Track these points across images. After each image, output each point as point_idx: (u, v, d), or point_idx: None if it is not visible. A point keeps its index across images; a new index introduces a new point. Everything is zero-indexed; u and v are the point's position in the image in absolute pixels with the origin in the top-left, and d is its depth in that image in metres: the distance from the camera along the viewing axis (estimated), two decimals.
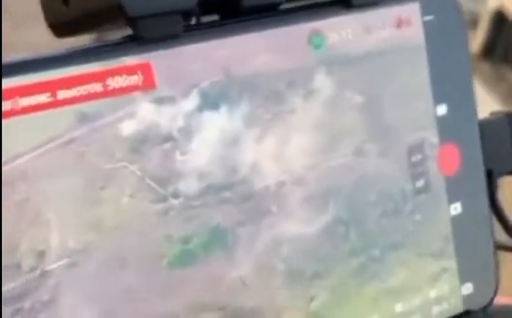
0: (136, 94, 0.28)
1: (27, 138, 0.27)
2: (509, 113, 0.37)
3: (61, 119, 0.28)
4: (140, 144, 0.29)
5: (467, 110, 0.35)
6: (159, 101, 0.29)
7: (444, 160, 0.35)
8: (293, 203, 0.32)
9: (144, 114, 0.29)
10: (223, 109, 0.30)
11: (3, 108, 0.27)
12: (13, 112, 0.27)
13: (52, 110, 0.28)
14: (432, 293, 0.35)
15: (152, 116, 0.29)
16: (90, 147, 0.28)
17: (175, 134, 0.29)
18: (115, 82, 0.29)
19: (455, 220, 0.35)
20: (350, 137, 0.33)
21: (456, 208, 0.35)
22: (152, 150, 0.29)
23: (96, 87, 0.28)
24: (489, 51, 1.63)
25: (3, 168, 0.27)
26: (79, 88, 0.28)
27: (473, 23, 1.67)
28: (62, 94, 0.28)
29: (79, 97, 0.28)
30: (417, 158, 0.34)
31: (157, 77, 0.29)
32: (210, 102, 0.30)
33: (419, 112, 0.34)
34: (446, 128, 0.34)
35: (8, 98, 0.27)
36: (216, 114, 0.30)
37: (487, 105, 1.56)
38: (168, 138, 0.29)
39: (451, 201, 0.35)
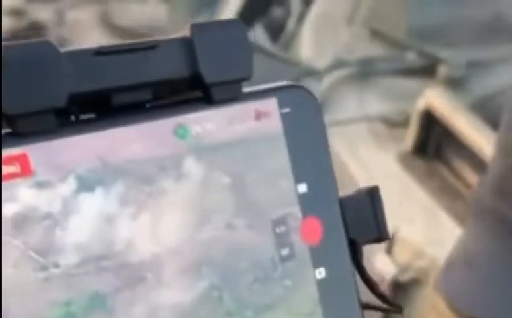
0: (17, 180, 0.33)
1: None
2: (369, 190, 0.40)
3: None
4: (22, 222, 0.33)
5: (327, 187, 0.39)
6: (38, 185, 0.33)
7: (307, 231, 0.38)
8: (168, 272, 0.35)
9: (24, 196, 0.33)
10: (99, 191, 0.34)
11: None
12: None
13: None
14: None
15: (32, 198, 0.33)
16: None
17: (54, 213, 0.33)
18: (4, 169, 0.32)
19: (320, 283, 0.38)
20: (220, 213, 0.36)
21: (320, 272, 0.38)
22: (33, 226, 0.33)
23: None
24: (421, 148, 1.69)
25: None
26: None
27: (406, 122, 1.74)
28: None
29: None
30: (281, 229, 0.37)
31: (34, 166, 0.33)
32: (86, 185, 0.34)
33: (282, 190, 0.37)
34: (307, 203, 0.38)
35: None
36: (92, 196, 0.34)
37: (419, 198, 1.62)
38: (47, 216, 0.33)
39: (316, 266, 0.38)
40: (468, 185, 1.63)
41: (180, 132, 0.36)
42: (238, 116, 0.37)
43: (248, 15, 2.06)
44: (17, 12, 2.83)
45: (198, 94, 0.37)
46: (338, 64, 1.78)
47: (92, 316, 0.33)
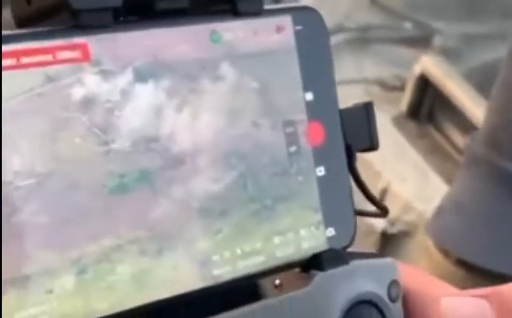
0: (85, 66, 0.38)
1: (10, 90, 0.37)
2: (365, 104, 0.45)
3: (32, 78, 0.37)
4: (88, 102, 0.38)
5: (329, 96, 0.44)
6: (102, 73, 0.38)
7: (311, 134, 0.43)
8: (204, 160, 0.40)
9: (91, 81, 0.38)
10: (151, 83, 0.40)
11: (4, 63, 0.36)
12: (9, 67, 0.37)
13: (23, 70, 0.37)
14: (303, 233, 0.43)
15: (97, 83, 0.38)
16: (53, 101, 0.37)
17: (114, 97, 0.39)
18: (62, 55, 0.38)
19: (320, 179, 0.44)
20: (248, 112, 0.42)
21: (320, 170, 0.44)
22: (97, 107, 0.38)
23: (48, 57, 0.37)
24: (415, 111, 1.76)
25: None
26: (38, 57, 0.37)
27: (402, 86, 1.81)
28: (26, 59, 0.37)
29: (38, 62, 0.37)
30: (290, 129, 0.43)
31: (95, 55, 0.38)
32: (140, 76, 0.39)
33: (292, 96, 0.43)
34: (312, 109, 0.43)
35: (7, 57, 0.36)
36: (145, 86, 0.39)
37: (412, 157, 1.69)
38: (108, 100, 0.38)
39: (317, 165, 0.43)
40: (457, 148, 1.70)
41: (214, 37, 0.41)
42: (261, 29, 0.43)
43: None
44: None
45: (227, 6, 0.42)
46: (338, 29, 1.85)
47: (140, 188, 0.39)
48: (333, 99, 0.44)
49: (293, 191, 0.42)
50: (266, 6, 0.43)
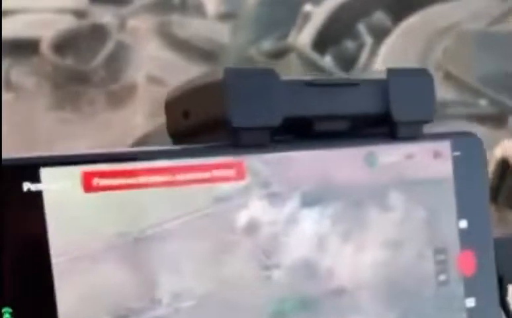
0: (253, 187, 0.38)
1: (172, 209, 0.36)
2: None
3: (198, 198, 0.37)
4: (254, 225, 0.38)
5: (484, 226, 0.44)
6: (271, 196, 0.38)
7: (463, 263, 0.43)
8: (365, 296, 0.40)
9: (258, 204, 0.38)
10: (316, 208, 0.39)
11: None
12: (165, 184, 0.36)
13: (180, 187, 0.36)
14: None
15: (265, 206, 0.38)
16: (219, 222, 0.37)
17: (281, 221, 0.38)
18: (218, 173, 0.37)
19: (470, 312, 0.43)
20: (413, 242, 0.41)
21: (470, 302, 0.43)
22: (263, 229, 0.38)
23: (205, 175, 0.37)
24: (494, 196, 1.72)
25: (155, 229, 0.36)
26: (195, 174, 0.37)
27: None
28: (181, 177, 0.37)
29: (194, 180, 0.37)
30: (440, 257, 0.42)
31: (255, 172, 0.38)
32: (307, 201, 0.39)
33: (446, 224, 0.42)
34: (465, 238, 0.43)
35: (163, 173, 0.36)
36: (311, 211, 0.39)
37: None
38: (275, 223, 0.38)
39: (467, 295, 0.43)
40: None
41: (370, 160, 0.41)
42: (419, 154, 0.42)
43: (319, 44, 2.10)
44: (80, 14, 2.87)
45: (385, 129, 0.41)
46: None
47: (299, 315, 0.38)
48: (487, 227, 0.44)
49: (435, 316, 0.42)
50: (425, 131, 0.44)
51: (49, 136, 2.29)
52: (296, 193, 0.39)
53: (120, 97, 2.70)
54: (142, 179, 0.36)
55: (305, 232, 0.39)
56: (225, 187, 0.37)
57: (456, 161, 0.43)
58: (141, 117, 2.54)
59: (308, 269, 0.39)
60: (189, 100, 0.40)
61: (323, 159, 0.40)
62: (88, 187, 0.35)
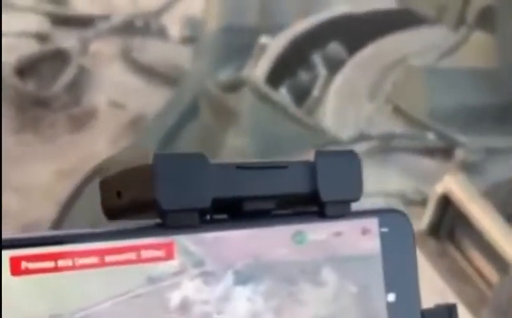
0: (186, 268, 0.39)
1: (106, 289, 0.38)
2: (448, 305, 0.46)
3: (132, 277, 0.38)
4: (188, 303, 0.39)
5: (412, 298, 0.45)
6: (204, 275, 0.39)
7: None
8: None
9: (192, 284, 0.39)
10: (250, 286, 0.40)
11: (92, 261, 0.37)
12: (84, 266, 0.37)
13: (108, 268, 0.37)
14: None
15: (198, 285, 0.39)
16: (153, 301, 0.38)
17: (213, 299, 0.39)
18: (147, 253, 0.39)
19: None
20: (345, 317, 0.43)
21: None
22: (196, 308, 0.39)
23: (132, 256, 0.38)
24: (435, 230, 1.75)
25: (87, 311, 0.37)
26: (123, 255, 0.38)
27: (422, 201, 1.80)
28: (110, 258, 0.38)
29: (122, 261, 0.38)
30: None
31: (187, 251, 0.39)
32: (241, 279, 0.40)
33: (375, 298, 0.44)
34: (394, 311, 0.44)
35: (91, 255, 0.37)
36: (244, 289, 0.40)
37: (431, 278, 1.68)
38: (208, 302, 0.39)
39: None
40: (476, 269, 1.68)
41: (298, 238, 0.42)
42: (347, 231, 0.43)
43: (274, 76, 2.13)
44: (42, 37, 2.88)
45: (314, 208, 0.43)
46: (361, 137, 1.85)
47: None
48: (416, 300, 0.44)
49: None
50: (353, 209, 0.44)
51: (10, 158, 2.29)
52: (229, 272, 0.40)
53: (81, 121, 2.71)
54: (71, 262, 0.37)
55: (239, 309, 0.40)
56: (158, 267, 0.38)
57: (384, 237, 0.44)
58: (102, 141, 2.55)
59: None
60: (122, 181, 0.41)
61: (253, 238, 0.41)
62: (16, 271, 0.36)
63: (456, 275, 1.69)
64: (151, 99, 2.77)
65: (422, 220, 1.74)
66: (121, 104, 2.80)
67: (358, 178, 0.45)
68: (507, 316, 1.14)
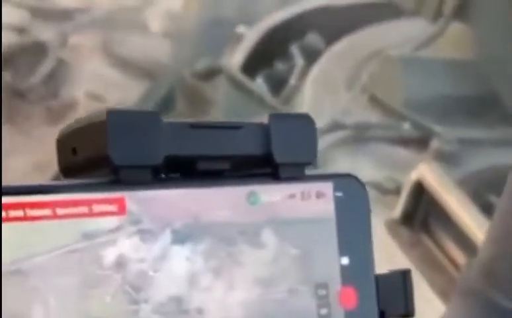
0: (124, 224, 0.39)
1: (44, 242, 0.38)
2: (403, 270, 0.46)
3: (67, 232, 0.38)
4: (123, 261, 0.39)
5: (366, 262, 0.44)
6: (141, 232, 0.39)
7: (344, 298, 0.44)
8: None
9: (128, 240, 0.39)
10: (188, 245, 0.40)
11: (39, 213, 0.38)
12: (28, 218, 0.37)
13: (57, 221, 0.37)
14: None
15: (134, 243, 0.39)
16: (87, 258, 0.38)
17: (150, 258, 0.39)
18: (98, 208, 0.39)
19: None
20: (286, 279, 0.42)
21: None
22: (131, 266, 0.39)
23: (85, 210, 0.38)
24: (409, 218, 1.75)
25: (24, 263, 0.37)
26: (75, 209, 0.38)
27: (396, 190, 1.80)
28: (62, 211, 0.38)
29: (74, 214, 0.38)
30: (322, 292, 0.43)
31: (131, 211, 0.39)
32: (179, 238, 0.40)
33: (327, 261, 0.44)
34: (347, 274, 0.44)
35: (44, 207, 0.37)
36: (182, 248, 0.40)
37: (403, 265, 1.68)
38: (144, 259, 0.39)
39: None
40: (451, 260, 1.68)
41: (252, 199, 0.42)
42: (300, 194, 0.43)
43: (251, 66, 2.12)
44: (21, 30, 2.87)
45: (268, 170, 0.43)
46: (335, 126, 1.84)
47: None
48: (369, 264, 0.44)
49: None
50: (308, 172, 0.44)
51: None
52: (167, 230, 0.40)
53: (59, 114, 2.70)
54: (20, 213, 0.37)
55: (176, 268, 0.40)
56: (93, 223, 0.38)
57: (338, 202, 0.44)
58: None
59: (178, 305, 0.40)
60: (77, 138, 0.41)
61: (202, 198, 0.41)
62: None
63: (428, 264, 1.69)
64: (130, 92, 2.77)
65: (396, 208, 1.74)
66: (99, 96, 2.79)
67: (312, 142, 0.45)
68: (473, 296, 1.13)
